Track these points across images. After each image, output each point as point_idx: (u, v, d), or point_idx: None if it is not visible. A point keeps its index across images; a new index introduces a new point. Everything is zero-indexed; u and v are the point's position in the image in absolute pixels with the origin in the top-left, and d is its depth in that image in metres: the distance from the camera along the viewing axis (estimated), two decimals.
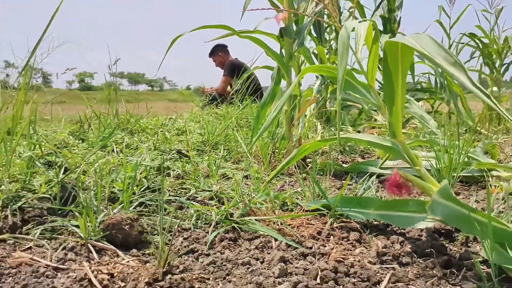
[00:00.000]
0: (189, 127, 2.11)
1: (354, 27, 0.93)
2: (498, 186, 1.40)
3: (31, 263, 0.77)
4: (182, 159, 1.60)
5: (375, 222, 1.08)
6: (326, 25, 3.55)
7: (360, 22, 0.92)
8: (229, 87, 4.70)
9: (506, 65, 4.08)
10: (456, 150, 1.50)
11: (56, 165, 1.10)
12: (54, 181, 0.99)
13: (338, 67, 0.83)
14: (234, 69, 4.35)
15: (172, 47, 1.82)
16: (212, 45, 5.09)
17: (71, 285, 0.71)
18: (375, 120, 3.43)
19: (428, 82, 4.14)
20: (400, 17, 3.70)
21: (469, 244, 0.96)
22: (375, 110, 3.46)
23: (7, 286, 0.70)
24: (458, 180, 1.53)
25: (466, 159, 1.56)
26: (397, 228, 1.05)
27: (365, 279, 0.78)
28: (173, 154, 1.61)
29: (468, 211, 0.81)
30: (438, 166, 1.51)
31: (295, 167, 1.61)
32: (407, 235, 1.02)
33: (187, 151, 1.71)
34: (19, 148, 1.14)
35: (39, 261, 0.78)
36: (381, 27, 3.72)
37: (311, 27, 3.43)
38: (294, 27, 1.94)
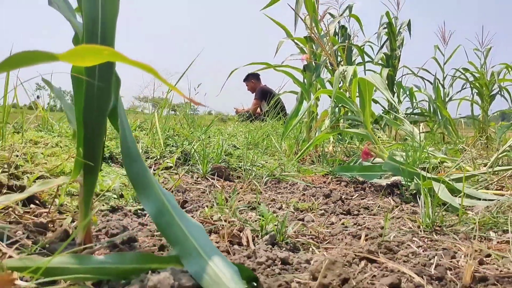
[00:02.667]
0: (236, 133, 2.96)
1: (344, 68, 1.76)
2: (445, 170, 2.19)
3: (183, 181, 1.60)
4: (237, 150, 2.44)
5: (357, 179, 1.88)
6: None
7: (347, 67, 1.76)
8: (258, 109, 5.60)
9: (492, 95, 4.85)
10: (420, 149, 2.30)
11: (177, 143, 1.95)
12: (179, 149, 1.84)
13: (333, 89, 1.66)
14: (264, 94, 5.26)
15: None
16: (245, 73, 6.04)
17: (204, 188, 1.53)
18: (379, 136, 4.23)
19: (424, 108, 4.92)
20: (400, 55, 4.54)
21: (402, 189, 1.75)
22: (377, 129, 4.28)
23: (181, 190, 1.52)
24: (421, 168, 2.32)
25: (426, 155, 2.36)
26: (368, 182, 1.85)
27: (345, 194, 1.59)
28: (231, 146, 2.45)
29: (399, 164, 1.61)
30: (407, 160, 2.30)
31: (312, 160, 2.43)
32: (374, 185, 1.82)
33: (239, 146, 2.55)
34: (155, 133, 2.00)
35: (186, 180, 1.61)
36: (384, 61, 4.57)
37: (328, 63, 4.30)
38: (314, 64, 2.80)
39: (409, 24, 4.56)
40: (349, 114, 4.58)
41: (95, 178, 0.66)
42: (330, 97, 3.73)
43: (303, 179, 1.84)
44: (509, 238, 0.94)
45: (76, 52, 0.45)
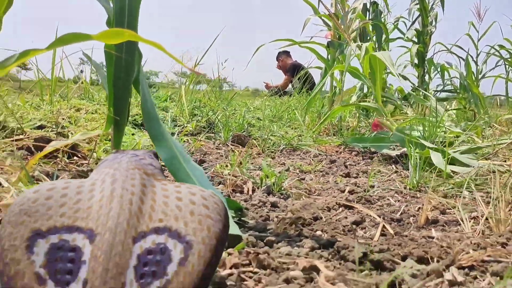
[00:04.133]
0: (262, 106, 3.13)
1: (359, 45, 1.88)
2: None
3: (205, 146, 1.79)
4: (260, 121, 2.61)
5: (369, 150, 2.02)
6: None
7: (362, 44, 1.88)
8: (290, 85, 5.74)
9: None
10: (436, 124, 2.40)
11: (203, 113, 2.14)
12: (204, 118, 2.03)
13: (345, 64, 1.80)
14: (294, 70, 5.38)
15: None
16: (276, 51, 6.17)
17: (223, 152, 1.71)
18: (406, 113, 4.29)
19: (456, 86, 4.89)
20: (433, 31, 4.52)
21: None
22: (406, 106, 4.33)
23: (202, 153, 1.72)
24: (439, 142, 2.42)
25: (443, 130, 2.45)
26: (379, 152, 1.98)
27: (352, 161, 1.73)
28: (255, 119, 2.63)
29: (405, 135, 1.74)
30: (424, 134, 2.40)
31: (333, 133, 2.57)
32: (383, 155, 1.95)
33: (262, 119, 2.72)
34: (183, 103, 2.20)
35: (208, 145, 1.80)
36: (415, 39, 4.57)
37: (357, 38, 4.35)
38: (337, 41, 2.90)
39: (442, 0, 4.53)
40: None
41: (122, 132, 0.85)
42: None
43: (317, 149, 1.99)
44: (480, 196, 1.08)
45: (105, 33, 0.63)
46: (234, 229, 0.66)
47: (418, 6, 4.39)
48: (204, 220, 0.31)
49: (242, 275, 0.56)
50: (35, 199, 0.30)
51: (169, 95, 2.26)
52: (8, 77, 2.06)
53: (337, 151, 1.98)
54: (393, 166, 1.66)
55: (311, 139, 2.16)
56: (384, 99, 4.63)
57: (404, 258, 0.66)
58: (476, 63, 4.85)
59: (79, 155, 1.17)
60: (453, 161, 1.63)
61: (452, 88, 4.91)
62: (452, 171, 1.46)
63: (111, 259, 0.27)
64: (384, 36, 4.55)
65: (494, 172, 1.43)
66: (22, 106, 1.40)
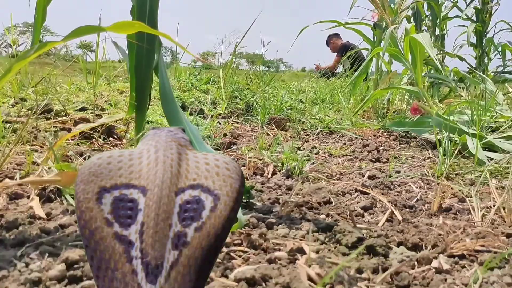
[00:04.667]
0: (307, 88, 3.12)
1: (397, 27, 1.83)
2: None
3: (240, 128, 1.84)
4: (302, 104, 2.61)
5: (409, 134, 1.97)
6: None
7: (400, 25, 1.83)
8: (341, 66, 5.64)
9: None
10: (485, 108, 2.29)
11: (242, 95, 2.18)
12: (243, 100, 2.07)
13: (384, 46, 1.76)
14: (343, 50, 5.27)
15: (285, 33, 2.84)
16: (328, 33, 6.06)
17: (257, 135, 1.75)
18: (461, 96, 4.10)
19: None
20: (495, 8, 4.26)
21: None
22: (461, 88, 4.14)
23: (235, 135, 1.77)
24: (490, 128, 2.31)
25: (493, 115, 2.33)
26: (419, 136, 1.94)
27: (387, 146, 1.71)
28: (296, 101, 2.63)
29: (443, 119, 1.69)
30: (473, 118, 2.31)
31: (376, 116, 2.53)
32: (423, 139, 1.90)
33: (304, 101, 2.72)
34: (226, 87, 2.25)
35: (244, 128, 1.84)
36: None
37: (410, 16, 4.19)
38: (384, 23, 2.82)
39: None
40: (432, 72, 4.48)
41: (143, 115, 0.91)
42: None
43: (355, 132, 1.98)
44: (504, 184, 1.04)
45: (117, 25, 0.68)
46: None
47: None
48: (227, 179, 0.40)
49: (232, 254, 0.60)
50: (99, 164, 0.39)
51: (211, 77, 2.31)
52: (76, 59, 2.16)
53: (375, 135, 1.95)
54: (430, 151, 1.62)
55: (350, 123, 2.15)
56: (439, 81, 4.46)
57: (399, 244, 0.67)
58: None
59: (115, 136, 1.25)
60: (494, 148, 1.57)
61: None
62: (488, 157, 1.41)
63: (160, 207, 0.37)
64: (441, 15, 4.35)
65: None
66: (68, 89, 1.50)
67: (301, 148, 1.53)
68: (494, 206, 0.81)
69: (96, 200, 0.37)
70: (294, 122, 2.07)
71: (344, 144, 1.67)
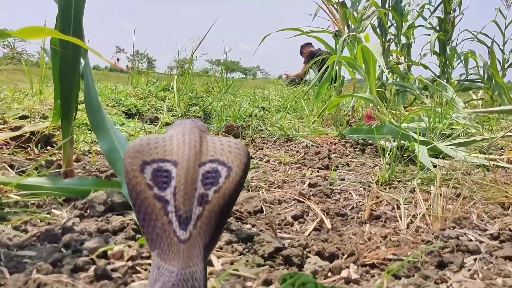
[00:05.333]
0: (271, 96, 3.12)
1: (350, 35, 1.85)
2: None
3: None
4: (264, 111, 2.61)
5: (365, 141, 1.99)
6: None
7: (353, 34, 1.84)
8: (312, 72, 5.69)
9: None
10: (441, 115, 2.33)
11: (200, 102, 2.16)
12: (201, 107, 2.05)
13: (337, 54, 1.77)
14: (311, 57, 5.32)
15: (263, 41, 2.84)
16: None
17: None
18: (425, 103, 4.18)
19: (479, 74, 4.72)
20: (454, 17, 4.37)
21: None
22: (425, 96, 4.22)
23: None
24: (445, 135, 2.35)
25: (450, 121, 2.38)
26: (375, 144, 1.95)
27: (340, 153, 1.72)
28: (259, 108, 2.63)
29: (395, 127, 1.71)
30: (429, 126, 2.34)
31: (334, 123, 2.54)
32: (375, 146, 1.92)
33: (268, 108, 2.72)
34: (184, 94, 2.22)
35: None
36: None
37: (376, 26, 4.25)
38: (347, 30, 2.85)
39: None
40: (398, 80, 4.55)
41: (70, 123, 0.87)
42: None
43: (312, 140, 1.98)
44: (443, 191, 1.05)
45: (24, 30, 0.65)
46: None
47: None
48: (237, 155, 0.51)
49: (138, 267, 0.57)
50: (141, 144, 0.50)
51: (167, 85, 2.28)
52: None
53: (331, 143, 1.96)
54: (381, 159, 1.63)
55: (308, 130, 2.15)
56: (403, 88, 4.53)
57: (318, 254, 0.66)
58: (502, 51, 4.66)
59: (54, 145, 1.21)
60: (440, 152, 1.59)
61: (477, 78, 4.74)
62: (434, 165, 1.42)
63: (188, 176, 0.48)
64: (408, 24, 4.44)
65: (483, 166, 1.39)
66: (11, 96, 1.46)
67: (252, 156, 1.52)
68: (419, 214, 0.81)
69: (140, 171, 0.49)
70: (253, 130, 2.06)
71: (297, 151, 1.66)
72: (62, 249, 0.63)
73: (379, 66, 2.27)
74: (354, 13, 2.99)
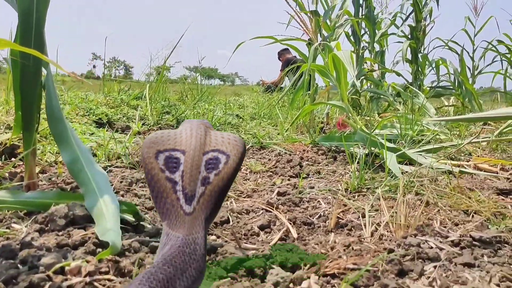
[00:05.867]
0: (247, 103, 3.13)
1: (322, 44, 1.87)
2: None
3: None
4: (239, 119, 2.61)
5: (338, 148, 2.01)
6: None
7: (324, 43, 1.86)
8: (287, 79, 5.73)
9: None
10: (412, 122, 2.37)
11: (174, 111, 2.15)
12: (174, 116, 2.04)
13: (309, 62, 1.78)
14: (287, 64, 5.37)
15: (241, 47, 2.84)
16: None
17: None
18: (398, 110, 4.25)
19: (450, 81, 4.84)
20: (426, 25, 4.47)
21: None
22: (399, 102, 4.29)
23: None
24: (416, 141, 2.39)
25: (421, 128, 2.42)
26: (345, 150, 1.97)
27: (312, 161, 1.73)
28: (234, 116, 2.63)
29: (366, 134, 1.73)
30: (400, 133, 2.38)
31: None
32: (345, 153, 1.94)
33: (243, 116, 2.72)
34: (157, 103, 2.21)
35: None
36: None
37: (350, 34, 4.31)
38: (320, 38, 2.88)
39: None
40: (372, 87, 4.61)
41: (32, 134, 0.86)
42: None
43: (285, 147, 1.99)
44: (407, 199, 1.07)
45: None
46: (111, 236, 0.66)
47: (411, 1, 4.33)
48: (235, 146, 0.63)
49: (95, 283, 0.56)
50: (155, 137, 0.61)
51: (140, 93, 2.26)
52: None
53: (304, 150, 1.97)
54: (352, 165, 1.64)
55: (282, 137, 2.16)
56: (378, 95, 4.59)
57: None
58: (472, 58, 4.78)
59: (18, 155, 1.18)
60: (409, 159, 1.62)
61: (449, 85, 4.85)
62: (403, 171, 1.45)
63: (194, 161, 0.59)
64: (381, 32, 4.52)
65: (447, 173, 1.42)
66: None
67: None
68: (383, 221, 0.83)
69: (154, 157, 0.59)
70: None
71: (269, 159, 1.67)
72: (19, 265, 0.61)
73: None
74: (328, 21, 3.04)
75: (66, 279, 0.57)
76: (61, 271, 0.59)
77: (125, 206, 0.78)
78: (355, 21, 3.58)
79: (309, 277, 0.60)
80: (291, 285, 0.60)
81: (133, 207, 0.79)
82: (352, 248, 0.69)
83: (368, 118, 3.72)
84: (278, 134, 2.30)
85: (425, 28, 4.43)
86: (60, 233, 0.73)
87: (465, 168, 1.53)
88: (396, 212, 0.83)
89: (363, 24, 4.19)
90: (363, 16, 4.17)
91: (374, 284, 0.58)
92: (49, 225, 0.75)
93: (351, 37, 4.34)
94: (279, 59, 6.23)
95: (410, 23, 4.45)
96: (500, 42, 4.80)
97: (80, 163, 0.81)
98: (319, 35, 2.29)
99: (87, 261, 0.60)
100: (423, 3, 4.38)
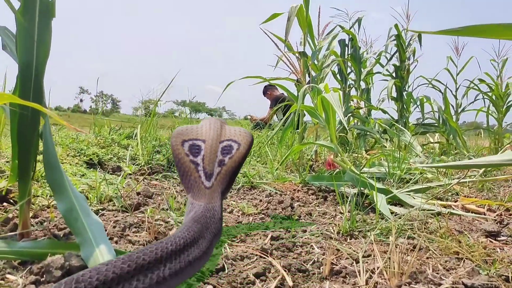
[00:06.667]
0: None
1: (311, 86, 1.92)
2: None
3: (157, 186, 1.80)
4: None
5: (327, 188, 2.02)
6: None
7: (313, 85, 1.91)
8: (275, 117, 5.80)
9: (508, 106, 4.84)
10: (399, 160, 2.41)
11: (164, 150, 2.16)
12: (165, 155, 2.05)
13: (298, 103, 1.83)
14: (276, 102, 5.45)
15: (227, 87, 2.89)
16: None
17: (176, 193, 1.72)
18: (385, 146, 4.32)
19: (435, 118, 4.95)
20: (409, 65, 4.61)
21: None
22: (385, 139, 4.36)
23: (148, 194, 1.72)
24: (403, 179, 2.43)
25: (408, 166, 2.46)
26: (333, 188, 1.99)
27: (303, 201, 1.74)
28: None
29: (356, 174, 1.75)
30: (388, 171, 2.42)
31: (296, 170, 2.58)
32: (340, 193, 1.95)
33: None
34: (147, 142, 2.22)
35: (162, 185, 1.81)
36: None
37: (337, 72, 4.42)
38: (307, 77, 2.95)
39: (419, 36, 4.62)
40: (359, 124, 4.69)
41: (27, 183, 0.86)
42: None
43: (275, 187, 2.00)
44: (400, 243, 1.08)
45: None
46: None
47: (395, 42, 4.48)
48: (245, 137, 0.82)
49: None
50: (181, 129, 0.81)
51: (131, 132, 2.28)
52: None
53: (294, 190, 1.98)
54: (342, 206, 1.66)
55: (272, 177, 2.18)
56: (364, 132, 4.66)
57: None
58: (455, 96, 4.92)
59: (11, 201, 1.17)
60: (398, 199, 1.64)
61: (433, 122, 4.96)
62: (393, 212, 1.46)
63: (212, 148, 0.78)
64: (366, 70, 4.64)
65: (436, 215, 1.44)
66: None
67: None
68: (377, 268, 0.84)
69: (181, 145, 0.78)
70: None
71: (261, 200, 1.67)
72: None
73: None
74: (315, 61, 3.12)
75: None
76: None
77: (120, 255, 0.78)
78: (341, 61, 3.68)
79: None
80: None
81: (124, 253, 0.79)
82: None
83: (356, 155, 3.78)
84: (268, 172, 2.31)
85: (409, 67, 4.56)
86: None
87: (454, 209, 1.55)
88: (389, 258, 0.84)
89: (349, 63, 4.30)
90: (349, 56, 4.29)
91: None
92: (45, 276, 0.74)
93: (338, 76, 4.45)
94: (264, 94, 6.34)
95: (394, 63, 4.58)
96: (481, 81, 4.96)
97: (75, 212, 0.81)
98: (307, 75, 2.35)
99: None
100: (406, 43, 4.53)
